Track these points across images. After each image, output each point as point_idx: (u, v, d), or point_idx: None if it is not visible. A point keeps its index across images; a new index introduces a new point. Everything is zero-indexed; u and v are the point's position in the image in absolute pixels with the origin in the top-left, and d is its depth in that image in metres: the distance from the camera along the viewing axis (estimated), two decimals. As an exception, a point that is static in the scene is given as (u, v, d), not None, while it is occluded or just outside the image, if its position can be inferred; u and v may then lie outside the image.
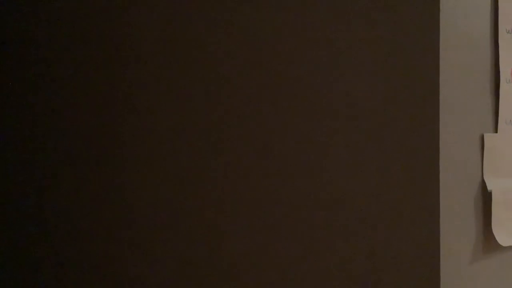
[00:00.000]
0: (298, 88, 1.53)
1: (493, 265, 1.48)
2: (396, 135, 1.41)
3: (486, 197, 1.46)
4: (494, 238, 1.46)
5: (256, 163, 1.58)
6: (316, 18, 1.50)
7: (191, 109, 1.68)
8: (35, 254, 1.98)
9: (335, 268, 1.48)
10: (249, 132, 1.59)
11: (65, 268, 1.92)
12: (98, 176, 1.85)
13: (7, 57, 2.03)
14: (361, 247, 1.45)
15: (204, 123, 1.66)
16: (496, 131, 1.48)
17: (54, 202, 1.93)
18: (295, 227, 1.53)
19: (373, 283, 1.43)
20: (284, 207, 1.55)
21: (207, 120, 1.66)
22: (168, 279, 1.73)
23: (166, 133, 1.73)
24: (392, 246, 1.42)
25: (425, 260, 1.39)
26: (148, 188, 1.76)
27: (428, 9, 1.38)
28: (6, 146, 2.04)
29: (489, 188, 1.45)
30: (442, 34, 1.37)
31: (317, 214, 1.50)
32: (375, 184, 1.44)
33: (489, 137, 1.46)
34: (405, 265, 1.40)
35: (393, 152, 1.42)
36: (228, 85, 1.62)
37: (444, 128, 1.38)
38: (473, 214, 1.44)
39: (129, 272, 1.80)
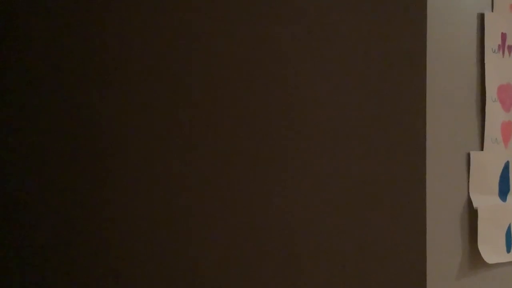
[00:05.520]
0: (292, 102, 1.55)
1: (479, 282, 1.49)
2: (383, 152, 1.42)
3: (472, 214, 1.47)
4: (480, 255, 1.47)
5: (246, 164, 1.59)
6: (313, 31, 1.52)
7: (184, 113, 1.69)
8: (26, 252, 1.98)
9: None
10: (241, 134, 1.60)
11: (55, 265, 1.93)
12: (91, 176, 1.85)
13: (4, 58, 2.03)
14: (347, 262, 1.46)
15: (197, 126, 1.67)
16: (482, 149, 1.49)
17: (47, 201, 1.93)
18: (283, 228, 1.54)
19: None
20: (274, 209, 1.56)
21: (200, 123, 1.67)
22: (156, 277, 1.74)
23: (159, 135, 1.73)
24: (378, 262, 1.43)
25: (412, 277, 1.39)
26: (139, 190, 1.76)
27: (415, 29, 1.39)
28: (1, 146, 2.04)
29: (475, 205, 1.46)
30: (428, 53, 1.38)
31: (304, 219, 1.52)
32: (361, 200, 1.45)
33: (475, 155, 1.47)
34: (392, 282, 1.41)
35: (380, 169, 1.43)
36: (223, 88, 1.63)
37: (431, 146, 1.39)
38: (459, 231, 1.45)
39: (118, 270, 1.80)
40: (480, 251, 1.47)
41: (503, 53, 1.52)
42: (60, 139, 1.90)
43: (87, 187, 1.86)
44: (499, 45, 1.51)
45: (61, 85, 1.91)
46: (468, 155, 1.47)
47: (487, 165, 1.49)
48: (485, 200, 1.48)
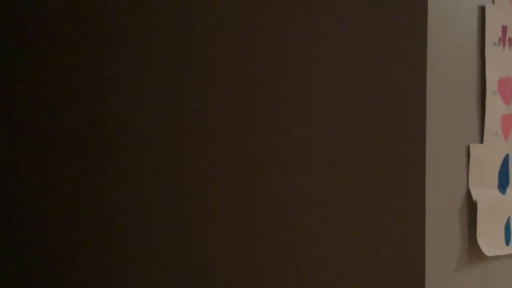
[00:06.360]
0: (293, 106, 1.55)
1: (478, 274, 1.49)
2: (383, 145, 1.42)
3: (471, 207, 1.47)
4: (479, 247, 1.47)
5: (246, 165, 1.59)
6: (315, 32, 1.53)
7: (185, 113, 1.69)
8: (26, 251, 1.98)
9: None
10: (240, 135, 1.60)
11: (51, 266, 1.92)
12: (92, 176, 1.85)
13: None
14: (346, 255, 1.46)
15: (198, 126, 1.67)
16: (482, 142, 1.49)
17: (48, 201, 1.93)
18: (283, 228, 1.54)
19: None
20: (273, 209, 1.55)
21: (201, 124, 1.67)
22: (157, 278, 1.73)
23: (160, 134, 1.73)
24: (377, 255, 1.42)
25: (411, 269, 1.39)
26: (140, 190, 1.76)
27: (415, 22, 1.39)
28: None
29: (474, 198, 1.46)
30: (429, 46, 1.38)
31: (304, 217, 1.52)
32: (360, 193, 1.44)
33: (475, 148, 1.47)
34: (391, 274, 1.41)
35: (379, 162, 1.43)
36: (223, 89, 1.63)
37: (431, 138, 1.39)
38: (459, 224, 1.45)
39: (119, 271, 1.80)
40: (479, 244, 1.47)
41: (504, 46, 1.52)
42: (61, 139, 1.91)
43: (88, 187, 1.86)
44: (499, 37, 1.51)
45: (61, 85, 1.91)
46: (468, 148, 1.47)
47: (486, 158, 1.49)
48: (485, 193, 1.48)
